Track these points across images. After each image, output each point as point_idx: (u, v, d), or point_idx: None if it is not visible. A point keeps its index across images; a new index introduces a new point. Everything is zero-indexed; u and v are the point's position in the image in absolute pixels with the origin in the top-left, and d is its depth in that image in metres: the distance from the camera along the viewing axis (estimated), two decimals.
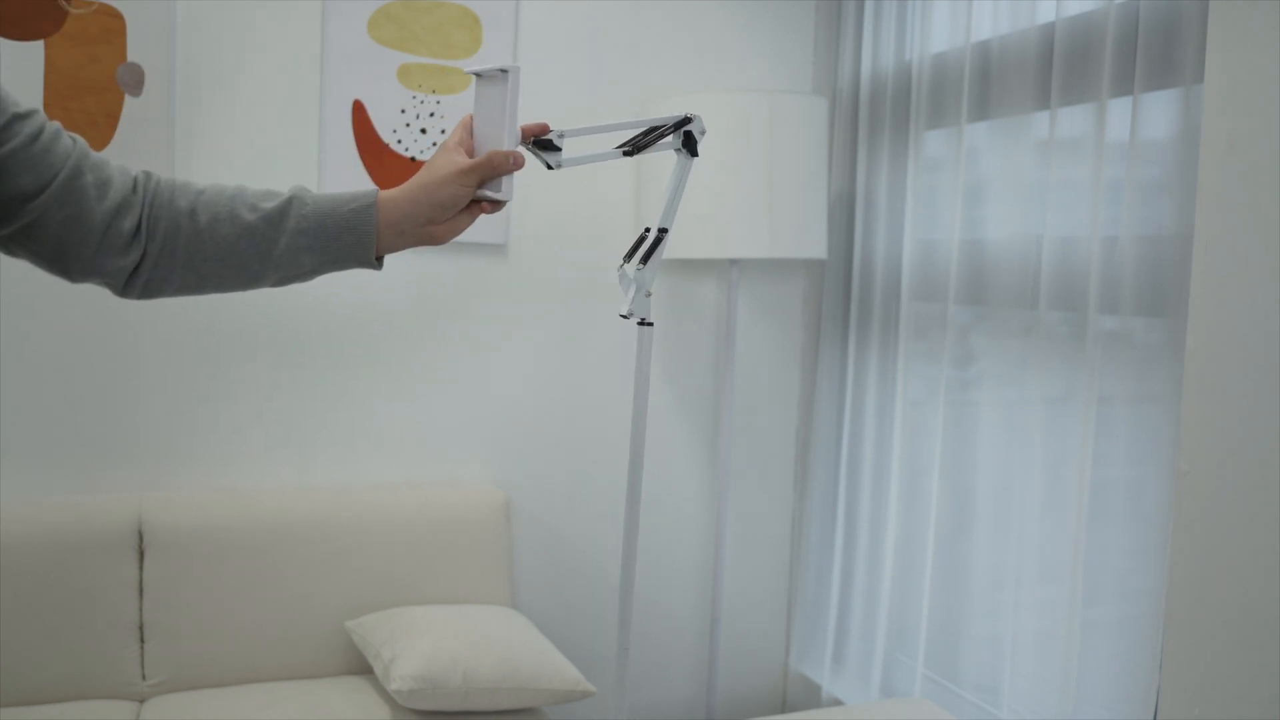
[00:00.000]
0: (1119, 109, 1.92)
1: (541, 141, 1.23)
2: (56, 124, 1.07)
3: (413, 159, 2.44)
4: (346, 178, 2.39)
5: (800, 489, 2.91)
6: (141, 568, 2.15)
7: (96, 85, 2.20)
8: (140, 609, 2.14)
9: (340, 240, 1.14)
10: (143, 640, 2.14)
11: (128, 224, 1.09)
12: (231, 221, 1.12)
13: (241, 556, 2.19)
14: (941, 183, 2.40)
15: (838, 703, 2.68)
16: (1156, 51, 1.84)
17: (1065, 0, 2.02)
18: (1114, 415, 1.94)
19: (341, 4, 2.37)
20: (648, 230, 1.42)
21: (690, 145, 1.39)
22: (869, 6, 2.63)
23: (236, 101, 2.33)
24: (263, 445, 2.41)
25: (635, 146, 1.35)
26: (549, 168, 1.25)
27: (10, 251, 1.08)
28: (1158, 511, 1.85)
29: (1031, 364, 2.10)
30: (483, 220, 2.52)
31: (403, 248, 1.18)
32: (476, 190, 1.18)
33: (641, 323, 1.43)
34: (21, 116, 1.03)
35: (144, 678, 2.13)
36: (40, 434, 2.24)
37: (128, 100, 2.23)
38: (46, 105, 2.17)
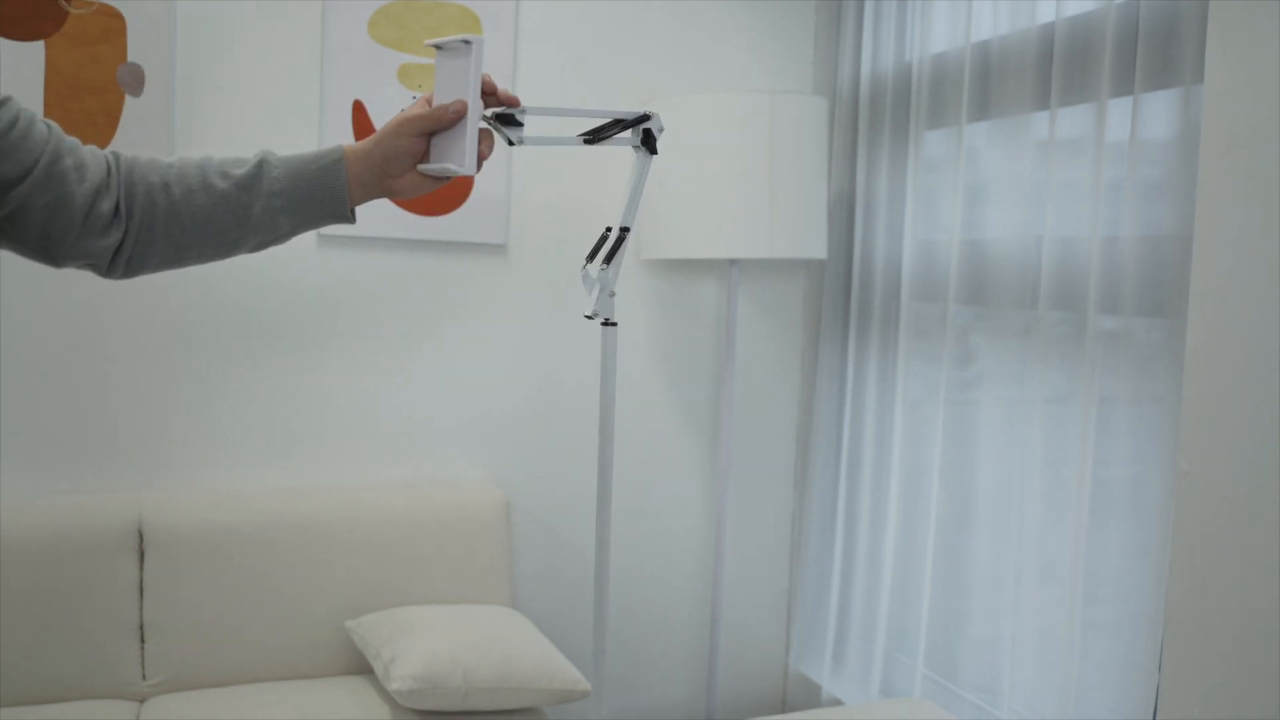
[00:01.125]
0: (1119, 109, 1.92)
1: (504, 116, 1.20)
2: (31, 110, 1.07)
3: None
4: None
5: (800, 489, 2.91)
6: (141, 568, 2.15)
7: (96, 85, 2.20)
8: (140, 609, 2.14)
9: (314, 198, 1.16)
10: (143, 640, 2.14)
11: (107, 204, 1.10)
12: (205, 191, 1.13)
13: (241, 556, 2.19)
14: (941, 183, 2.40)
15: (838, 703, 2.68)
16: (1156, 51, 1.84)
17: (1065, 0, 2.02)
18: (1114, 415, 1.94)
19: (341, 4, 2.37)
20: (609, 229, 1.39)
21: (649, 143, 1.38)
22: (869, 6, 2.63)
23: (236, 101, 2.33)
24: (263, 445, 2.41)
25: (595, 135, 1.34)
26: (510, 144, 1.23)
27: None
28: (1158, 511, 1.85)
29: (1031, 364, 2.10)
30: (483, 220, 2.52)
31: (367, 199, 1.20)
32: (428, 161, 1.17)
33: (606, 323, 1.41)
34: None
35: (144, 678, 2.13)
36: (40, 434, 2.24)
37: (128, 100, 2.23)
38: (47, 105, 2.17)
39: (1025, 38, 2.13)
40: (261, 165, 1.15)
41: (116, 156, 1.13)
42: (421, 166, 1.15)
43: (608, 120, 1.36)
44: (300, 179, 1.15)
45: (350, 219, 1.19)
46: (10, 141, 1.03)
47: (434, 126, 1.16)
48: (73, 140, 1.10)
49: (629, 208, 1.41)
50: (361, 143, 1.18)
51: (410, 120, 1.16)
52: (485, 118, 1.18)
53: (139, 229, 1.12)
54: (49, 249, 1.08)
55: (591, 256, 1.41)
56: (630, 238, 1.44)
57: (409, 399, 2.51)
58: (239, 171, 1.14)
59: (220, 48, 2.31)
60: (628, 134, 1.39)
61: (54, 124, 1.09)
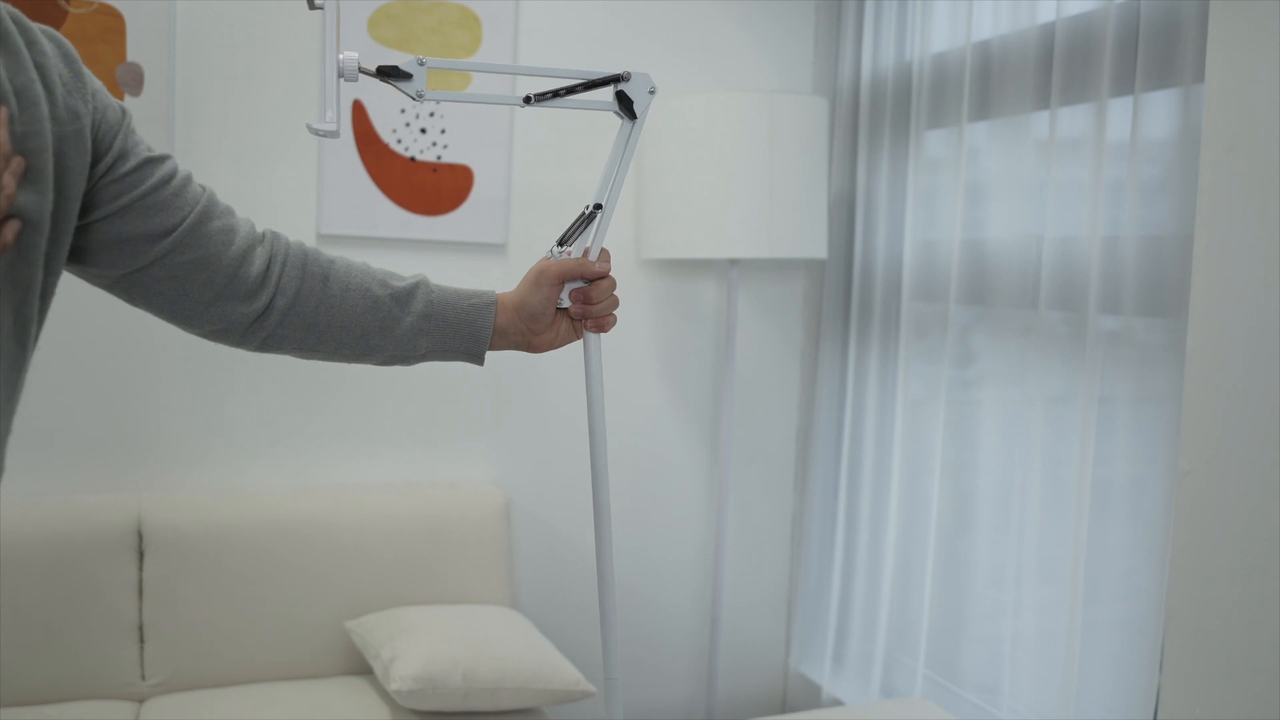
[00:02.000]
0: (1119, 109, 1.92)
1: (387, 69, 1.12)
2: (188, 171, 1.09)
3: (412, 159, 2.44)
4: (346, 178, 2.39)
5: (800, 489, 2.91)
6: (141, 568, 2.15)
7: None
8: (140, 609, 2.14)
9: (459, 332, 1.19)
10: (143, 640, 2.14)
11: (253, 271, 1.11)
12: (362, 294, 1.16)
13: (241, 556, 2.19)
14: (942, 183, 2.40)
15: (838, 703, 2.68)
16: (1156, 51, 1.84)
17: (1065, 0, 2.02)
18: (1114, 415, 1.94)
19: (341, 4, 2.37)
20: (587, 207, 1.23)
21: (627, 107, 1.20)
22: (869, 6, 2.63)
23: (236, 101, 2.33)
24: (263, 445, 2.40)
25: (540, 97, 1.19)
26: (413, 99, 1.15)
27: (130, 296, 1.09)
28: (1158, 511, 1.84)
29: (1031, 364, 2.10)
30: (482, 219, 2.52)
31: (504, 348, 1.23)
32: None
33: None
34: (153, 161, 1.05)
35: (144, 678, 2.13)
36: (40, 434, 2.24)
37: (127, 100, 2.23)
38: None
39: (1025, 37, 2.13)
40: (419, 285, 1.19)
41: (275, 234, 1.16)
42: (309, 126, 1.14)
43: (576, 81, 1.19)
44: (450, 309, 1.19)
45: (479, 362, 1.22)
46: (161, 198, 1.05)
47: (575, 274, 1.20)
48: (226, 206, 1.12)
49: (604, 181, 1.21)
50: (510, 294, 1.22)
51: (550, 271, 1.20)
52: (366, 72, 1.13)
53: (288, 310, 1.14)
54: (183, 307, 1.10)
55: (562, 239, 1.22)
56: (606, 218, 1.23)
57: (409, 399, 2.51)
58: (397, 284, 1.18)
59: (220, 48, 2.31)
60: (596, 98, 1.21)
61: (209, 187, 1.11)
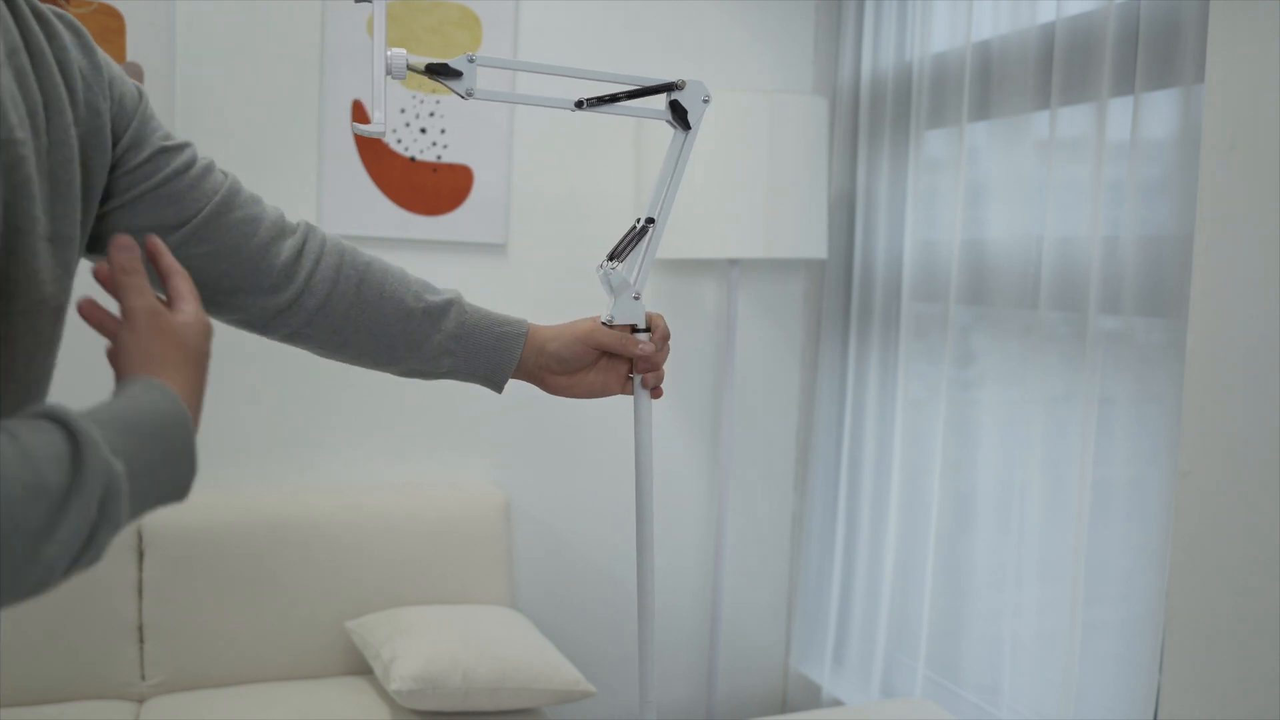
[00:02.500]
0: (1119, 109, 1.92)
1: (437, 67, 1.09)
2: (209, 159, 1.05)
3: (412, 159, 2.44)
4: (346, 177, 2.39)
5: (800, 489, 2.91)
6: (141, 568, 2.15)
7: None
8: (140, 609, 2.14)
9: (485, 356, 1.16)
10: (142, 640, 2.14)
11: (278, 264, 1.07)
12: (395, 303, 1.13)
13: (241, 556, 2.19)
14: (942, 183, 2.40)
15: (838, 703, 2.68)
16: (1156, 51, 1.84)
17: (1065, 0, 2.02)
18: (1114, 415, 1.94)
19: (341, 4, 2.37)
20: (638, 221, 1.21)
21: (681, 117, 1.17)
22: (869, 6, 2.63)
23: (236, 101, 2.33)
24: (263, 445, 2.40)
25: (590, 102, 1.16)
26: (461, 97, 1.12)
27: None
28: (1158, 511, 1.84)
29: (1032, 364, 2.10)
30: (482, 219, 2.52)
31: (521, 379, 1.20)
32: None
33: (634, 330, 1.19)
34: (168, 150, 1.01)
35: (143, 678, 2.13)
36: None
37: None
38: None
39: (1025, 37, 2.13)
40: (453, 303, 1.16)
41: (310, 227, 1.12)
42: (354, 126, 1.12)
43: (632, 87, 1.15)
44: (480, 333, 1.16)
45: (498, 390, 1.20)
46: (176, 189, 1.01)
47: (616, 351, 1.17)
48: (251, 195, 1.08)
49: (657, 194, 1.19)
50: (543, 329, 1.19)
51: (595, 337, 1.17)
52: (414, 69, 1.10)
53: (316, 311, 1.10)
54: (203, 298, 1.05)
55: (613, 254, 1.19)
56: (658, 233, 1.21)
57: (409, 399, 2.51)
58: (432, 298, 1.15)
59: (220, 48, 2.31)
60: (643, 105, 1.17)
61: (232, 174, 1.07)
